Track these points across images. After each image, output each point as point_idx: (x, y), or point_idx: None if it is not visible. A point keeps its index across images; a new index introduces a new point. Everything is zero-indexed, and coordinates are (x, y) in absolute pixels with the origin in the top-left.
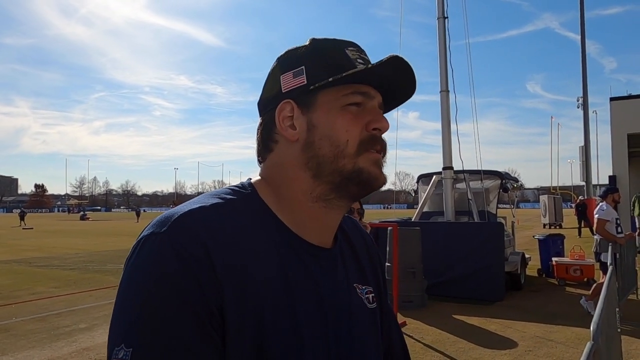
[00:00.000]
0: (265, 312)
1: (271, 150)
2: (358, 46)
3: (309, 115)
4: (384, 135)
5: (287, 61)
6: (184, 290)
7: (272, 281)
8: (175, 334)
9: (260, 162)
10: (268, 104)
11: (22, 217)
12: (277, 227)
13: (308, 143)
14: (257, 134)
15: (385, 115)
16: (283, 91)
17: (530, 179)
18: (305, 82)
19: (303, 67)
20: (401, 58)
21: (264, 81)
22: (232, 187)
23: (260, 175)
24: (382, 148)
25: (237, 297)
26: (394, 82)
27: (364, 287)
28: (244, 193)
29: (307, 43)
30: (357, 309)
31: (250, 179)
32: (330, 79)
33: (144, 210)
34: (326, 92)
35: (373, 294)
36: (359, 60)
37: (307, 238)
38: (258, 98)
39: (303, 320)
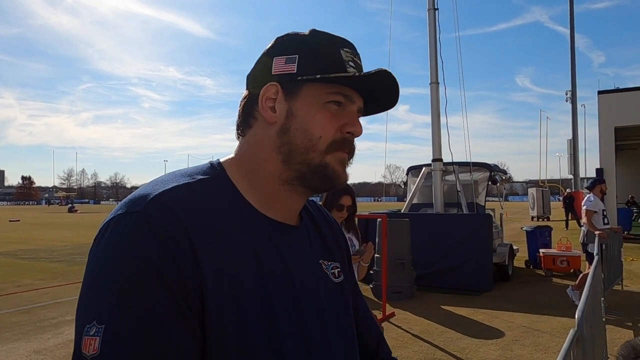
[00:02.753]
0: (242, 290)
1: (250, 126)
2: (354, 48)
3: (291, 102)
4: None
5: (284, 45)
6: (160, 269)
7: (246, 260)
8: (149, 312)
9: (239, 135)
10: (256, 80)
11: None
12: (245, 206)
13: (284, 129)
14: (240, 106)
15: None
16: (272, 73)
17: (519, 172)
18: (295, 71)
19: (297, 55)
20: (389, 73)
21: (259, 56)
22: (202, 166)
23: (235, 152)
24: (350, 151)
25: (215, 278)
26: (378, 92)
27: (329, 263)
28: (213, 172)
29: (307, 33)
30: (324, 282)
31: (219, 159)
32: (318, 76)
33: None
34: (312, 85)
35: (339, 269)
36: (350, 63)
37: (272, 216)
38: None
39: (276, 295)
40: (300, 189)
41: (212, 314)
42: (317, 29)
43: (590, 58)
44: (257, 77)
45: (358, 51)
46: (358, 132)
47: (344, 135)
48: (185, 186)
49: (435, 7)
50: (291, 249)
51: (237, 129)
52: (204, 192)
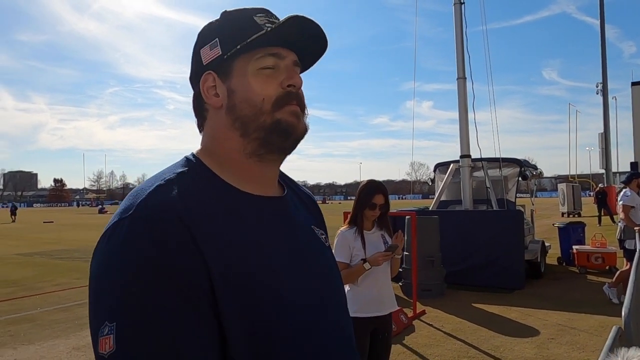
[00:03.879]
0: (246, 269)
1: (205, 119)
2: (268, 11)
3: (228, 82)
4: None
5: (204, 36)
6: (161, 264)
7: (242, 238)
8: (157, 303)
9: (200, 132)
10: (194, 79)
11: (12, 212)
12: (227, 189)
13: (230, 107)
14: (193, 107)
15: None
16: (204, 64)
17: (547, 168)
18: (220, 53)
19: (217, 39)
20: (301, 16)
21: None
22: (176, 163)
23: (200, 144)
24: (298, 102)
25: (219, 263)
26: (303, 39)
27: (318, 230)
28: (190, 164)
29: (219, 16)
30: (319, 245)
31: (193, 152)
32: (239, 47)
33: None
34: (240, 59)
35: (324, 236)
36: (267, 24)
37: (253, 192)
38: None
39: (278, 265)
40: (269, 157)
41: (224, 299)
42: (228, 9)
43: (621, 49)
44: (194, 75)
45: (274, 13)
46: (297, 82)
47: (286, 90)
48: (167, 183)
49: (462, 1)
50: (279, 218)
51: (198, 128)
52: (187, 183)
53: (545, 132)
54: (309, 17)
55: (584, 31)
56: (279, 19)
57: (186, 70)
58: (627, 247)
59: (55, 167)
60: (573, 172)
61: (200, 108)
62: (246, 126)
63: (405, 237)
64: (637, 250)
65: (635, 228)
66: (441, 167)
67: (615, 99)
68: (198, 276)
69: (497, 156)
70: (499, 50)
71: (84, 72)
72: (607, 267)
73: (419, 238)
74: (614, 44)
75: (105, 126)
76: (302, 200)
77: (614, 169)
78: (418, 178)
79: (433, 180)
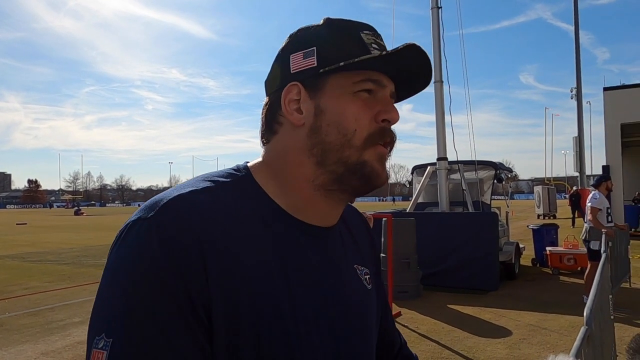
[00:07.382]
0: (259, 299)
1: (275, 132)
2: (374, 30)
3: (317, 99)
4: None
5: (298, 40)
6: (169, 282)
7: (266, 265)
8: (156, 327)
9: (263, 143)
10: (275, 84)
11: None
12: (272, 210)
13: (314, 128)
14: (262, 114)
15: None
16: (292, 72)
17: (524, 170)
18: (316, 64)
19: (314, 48)
20: (418, 46)
21: (274, 59)
22: (226, 170)
23: (262, 157)
24: (390, 141)
25: (228, 296)
26: (409, 71)
27: (362, 269)
28: (238, 176)
29: (321, 22)
30: (357, 289)
31: (247, 162)
32: (342, 64)
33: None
34: (337, 76)
35: (369, 276)
36: (373, 45)
37: (305, 220)
38: (263, 82)
39: (301, 303)
40: (339, 195)
41: (222, 333)
42: (332, 17)
43: (595, 54)
44: (276, 80)
45: (379, 33)
46: (395, 118)
47: (380, 125)
48: (203, 190)
49: (439, 5)
50: (321, 253)
51: (261, 138)
52: (223, 195)
53: (523, 135)
54: (423, 49)
55: (559, 37)
56: (382, 40)
57: (165, 71)
58: (591, 247)
59: (29, 167)
60: (549, 175)
61: (272, 119)
62: (326, 155)
63: (382, 239)
64: (602, 251)
65: (602, 230)
66: (418, 169)
67: (590, 104)
68: (200, 306)
69: (474, 159)
70: (477, 55)
71: (60, 70)
72: (579, 268)
73: (395, 240)
74: (588, 49)
75: (81, 126)
76: (352, 234)
77: (587, 172)
78: (398, 180)
79: (411, 183)
